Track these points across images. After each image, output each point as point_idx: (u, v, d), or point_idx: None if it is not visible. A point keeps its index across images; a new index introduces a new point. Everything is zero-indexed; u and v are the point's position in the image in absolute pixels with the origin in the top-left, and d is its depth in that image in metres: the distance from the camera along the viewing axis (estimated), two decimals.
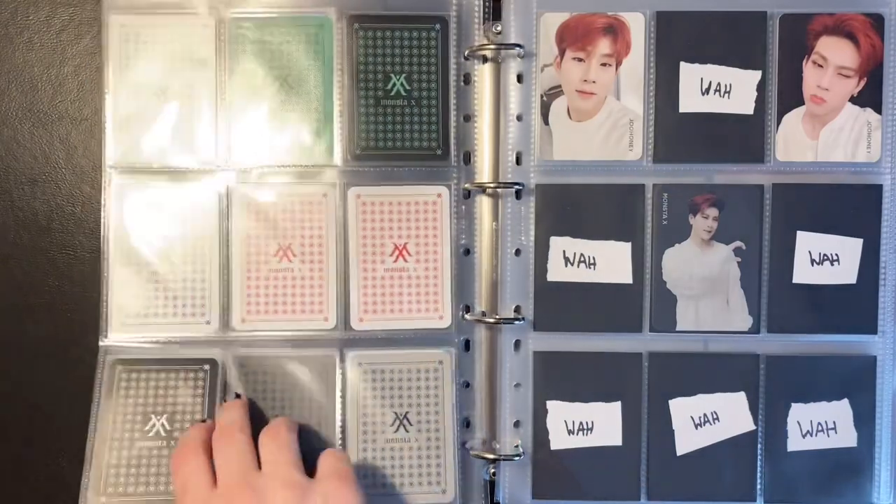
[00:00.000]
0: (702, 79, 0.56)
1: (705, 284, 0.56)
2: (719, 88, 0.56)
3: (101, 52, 0.56)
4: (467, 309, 0.57)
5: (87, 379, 0.57)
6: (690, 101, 0.56)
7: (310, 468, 0.50)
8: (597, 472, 0.56)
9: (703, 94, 0.56)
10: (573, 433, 0.56)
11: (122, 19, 0.56)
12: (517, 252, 0.57)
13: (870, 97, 0.56)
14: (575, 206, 0.56)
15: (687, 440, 0.56)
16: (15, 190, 0.58)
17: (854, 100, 0.56)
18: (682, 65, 0.56)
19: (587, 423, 0.56)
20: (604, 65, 0.56)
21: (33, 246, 0.58)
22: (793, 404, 0.56)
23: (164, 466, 0.55)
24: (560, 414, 0.56)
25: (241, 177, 0.56)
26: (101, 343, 0.56)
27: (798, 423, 0.56)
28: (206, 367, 0.56)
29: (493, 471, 0.57)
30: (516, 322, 0.56)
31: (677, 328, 0.56)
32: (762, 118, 0.56)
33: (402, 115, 0.56)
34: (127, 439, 0.55)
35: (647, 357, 0.57)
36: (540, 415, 0.56)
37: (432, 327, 0.57)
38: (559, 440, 0.56)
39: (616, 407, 0.56)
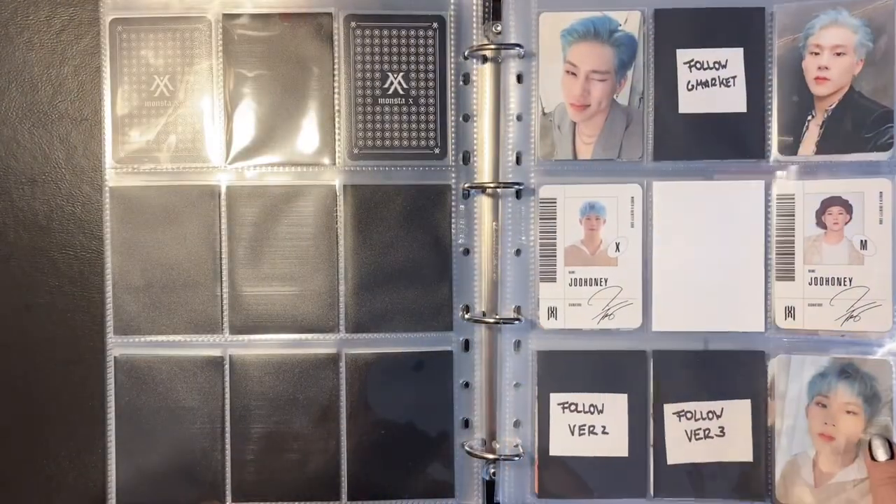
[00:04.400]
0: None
1: None
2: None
3: (101, 52, 0.56)
4: (467, 309, 0.57)
5: (87, 379, 0.57)
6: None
7: None
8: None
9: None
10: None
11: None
12: (517, 252, 0.57)
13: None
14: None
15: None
16: (15, 190, 0.58)
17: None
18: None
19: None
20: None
21: (33, 246, 0.58)
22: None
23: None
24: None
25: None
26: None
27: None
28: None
29: (493, 471, 0.57)
30: (516, 322, 0.56)
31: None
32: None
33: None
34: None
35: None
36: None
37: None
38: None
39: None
